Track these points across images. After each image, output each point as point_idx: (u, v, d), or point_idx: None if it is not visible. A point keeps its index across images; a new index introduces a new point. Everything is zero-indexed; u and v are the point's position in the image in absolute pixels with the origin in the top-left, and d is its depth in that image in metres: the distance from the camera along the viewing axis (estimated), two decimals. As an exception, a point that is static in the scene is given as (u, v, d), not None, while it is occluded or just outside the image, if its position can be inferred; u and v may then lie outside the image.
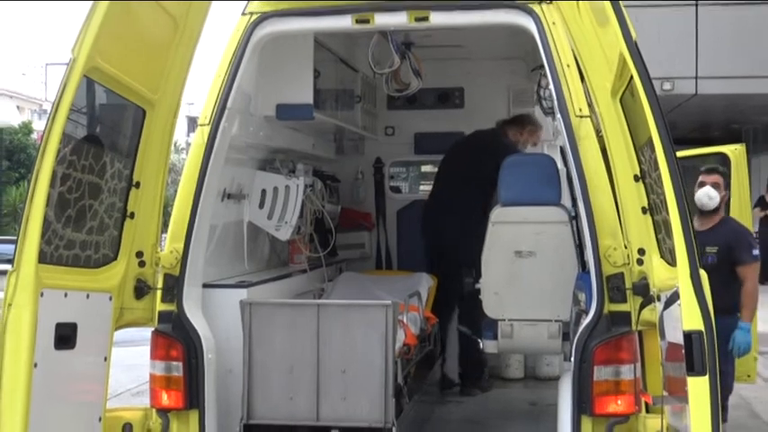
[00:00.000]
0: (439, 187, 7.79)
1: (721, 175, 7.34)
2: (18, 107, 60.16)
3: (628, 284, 4.54)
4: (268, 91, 5.68)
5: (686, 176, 4.00)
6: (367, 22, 5.09)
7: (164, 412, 4.85)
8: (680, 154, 4.43)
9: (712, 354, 3.56)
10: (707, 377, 3.52)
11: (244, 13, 5.10)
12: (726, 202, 7.45)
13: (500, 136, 7.45)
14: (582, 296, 4.85)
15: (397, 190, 8.83)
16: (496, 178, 5.86)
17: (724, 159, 8.64)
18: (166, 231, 5.00)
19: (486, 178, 6.95)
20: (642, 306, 4.53)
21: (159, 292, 4.89)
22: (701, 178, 7.19)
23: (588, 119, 4.75)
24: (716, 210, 7.17)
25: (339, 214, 7.55)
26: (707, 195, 7.07)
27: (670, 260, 4.10)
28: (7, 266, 4.20)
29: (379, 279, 7.09)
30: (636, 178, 4.58)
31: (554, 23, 4.83)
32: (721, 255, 7.01)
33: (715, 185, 7.17)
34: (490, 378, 7.64)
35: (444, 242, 7.31)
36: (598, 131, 4.75)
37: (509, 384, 7.81)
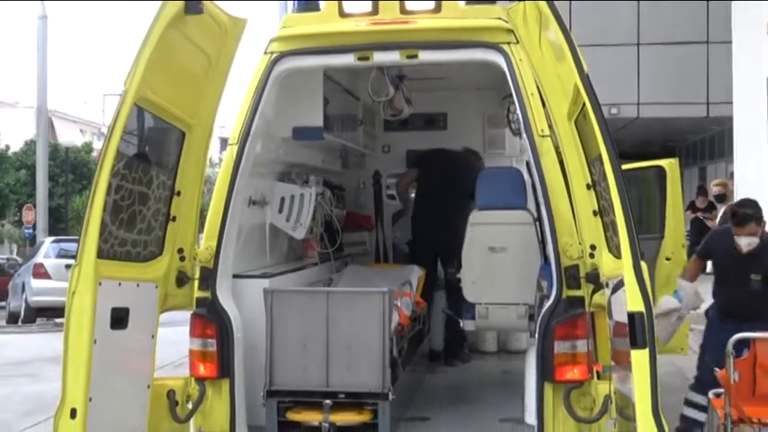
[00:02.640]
0: (427, 195, 7.68)
1: (756, 221, 6.35)
2: (81, 130, 60.16)
3: (582, 274, 4.54)
4: (285, 116, 5.68)
5: (629, 185, 4.00)
6: (367, 59, 5.09)
7: (200, 380, 4.86)
8: (624, 167, 4.43)
9: (651, 330, 3.56)
10: (647, 350, 3.53)
11: (265, 53, 5.10)
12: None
13: (470, 155, 7.55)
14: (544, 284, 4.86)
15: (392, 197, 8.80)
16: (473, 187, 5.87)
17: (661, 171, 8.63)
18: (203, 232, 5.01)
19: (467, 187, 7.01)
20: (594, 292, 4.55)
21: (197, 282, 4.89)
22: (735, 231, 6.34)
23: (549, 138, 4.76)
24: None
25: (344, 217, 7.55)
26: (747, 244, 6.29)
27: (616, 254, 4.10)
28: (72, 261, 4.21)
29: (377, 271, 7.09)
30: (588, 187, 4.58)
31: (521, 60, 4.84)
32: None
33: (751, 235, 6.31)
34: (469, 351, 7.63)
35: (441, 242, 7.24)
36: (557, 148, 4.75)
37: (485, 357, 7.79)
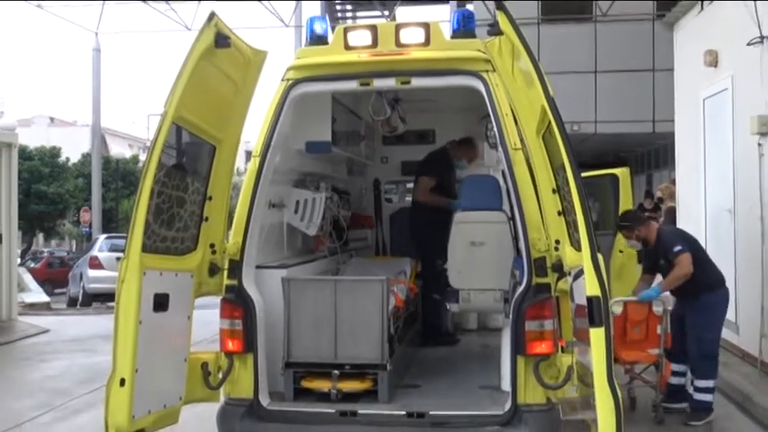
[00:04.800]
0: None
1: (625, 229, 6.94)
2: (129, 145, 60.20)
3: (548, 264, 4.53)
4: (300, 132, 5.66)
5: (588, 190, 4.00)
6: (368, 84, 5.09)
7: (229, 354, 4.85)
8: (583, 174, 4.43)
9: (606, 311, 3.56)
10: (603, 328, 3.53)
11: (282, 80, 5.09)
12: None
13: (447, 154, 7.33)
14: (517, 273, 4.85)
15: (389, 200, 8.78)
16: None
17: (615, 178, 8.63)
18: (231, 229, 5.00)
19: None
20: (558, 279, 4.54)
21: (226, 272, 4.88)
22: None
23: (521, 150, 4.75)
24: (644, 243, 6.90)
25: (349, 217, 7.53)
26: (631, 246, 7.04)
27: (577, 247, 4.09)
28: (121, 254, 4.20)
29: (377, 262, 7.08)
30: (553, 191, 4.57)
31: (497, 85, 4.83)
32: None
33: (628, 239, 6.99)
34: (456, 331, 7.60)
35: (418, 237, 7.23)
36: (527, 159, 4.74)
37: (467, 334, 7.76)
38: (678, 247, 6.55)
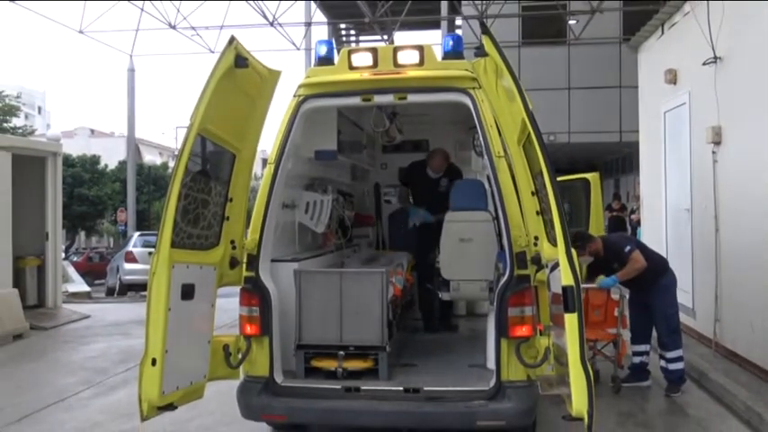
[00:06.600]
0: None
1: (578, 247, 6.39)
2: (160, 153, 60.07)
3: (528, 258, 4.52)
4: (309, 142, 5.65)
5: (563, 193, 3.99)
6: (369, 100, 5.08)
7: (247, 337, 4.85)
8: (559, 179, 4.42)
9: (579, 299, 3.56)
10: (576, 314, 3.52)
11: (294, 96, 5.08)
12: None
13: (423, 165, 7.25)
14: (500, 265, 4.84)
15: (388, 202, 8.75)
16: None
17: (586, 182, 8.63)
18: (249, 227, 4.99)
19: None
20: (537, 271, 4.53)
21: (244, 265, 4.86)
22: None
23: (503, 158, 4.74)
24: (595, 256, 6.75)
25: (353, 216, 7.51)
26: (583, 261, 6.66)
27: (553, 243, 4.08)
28: (153, 249, 4.19)
29: (378, 256, 7.06)
30: (532, 193, 4.56)
31: (482, 101, 4.82)
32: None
33: (581, 256, 6.50)
34: (454, 318, 7.56)
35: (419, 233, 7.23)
36: (509, 165, 4.74)
37: (457, 319, 7.74)
38: (628, 248, 6.71)
